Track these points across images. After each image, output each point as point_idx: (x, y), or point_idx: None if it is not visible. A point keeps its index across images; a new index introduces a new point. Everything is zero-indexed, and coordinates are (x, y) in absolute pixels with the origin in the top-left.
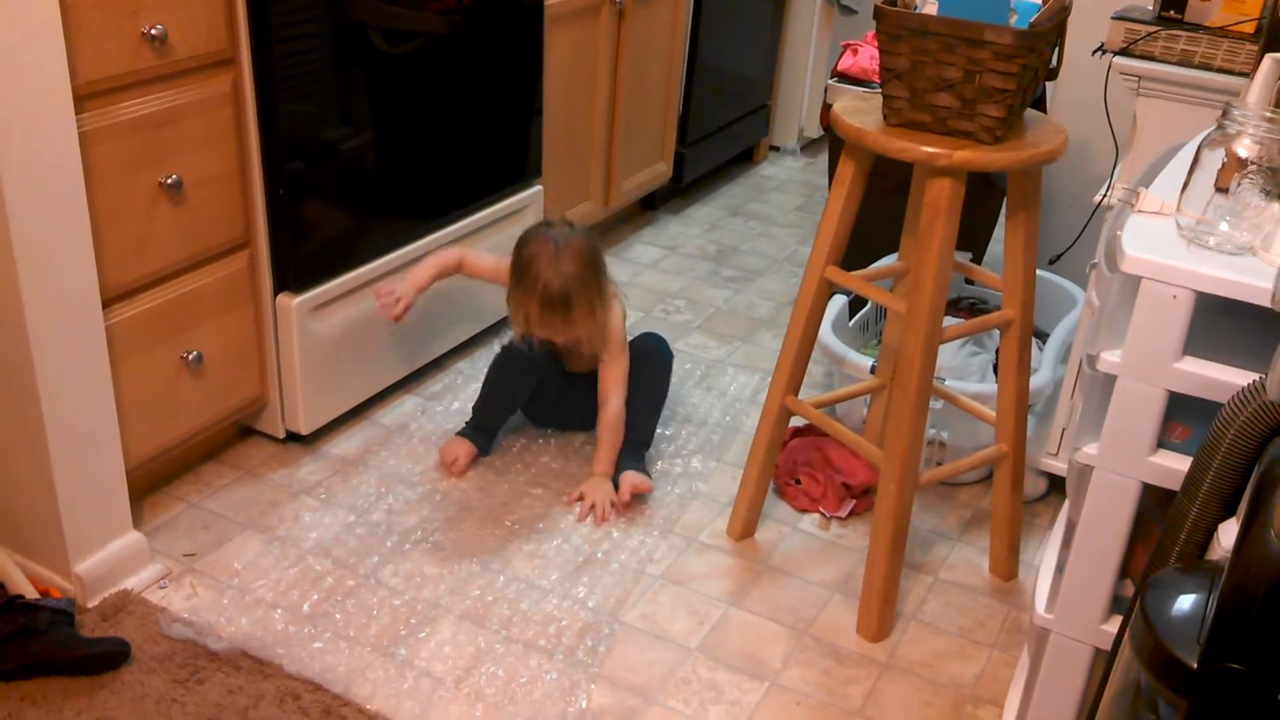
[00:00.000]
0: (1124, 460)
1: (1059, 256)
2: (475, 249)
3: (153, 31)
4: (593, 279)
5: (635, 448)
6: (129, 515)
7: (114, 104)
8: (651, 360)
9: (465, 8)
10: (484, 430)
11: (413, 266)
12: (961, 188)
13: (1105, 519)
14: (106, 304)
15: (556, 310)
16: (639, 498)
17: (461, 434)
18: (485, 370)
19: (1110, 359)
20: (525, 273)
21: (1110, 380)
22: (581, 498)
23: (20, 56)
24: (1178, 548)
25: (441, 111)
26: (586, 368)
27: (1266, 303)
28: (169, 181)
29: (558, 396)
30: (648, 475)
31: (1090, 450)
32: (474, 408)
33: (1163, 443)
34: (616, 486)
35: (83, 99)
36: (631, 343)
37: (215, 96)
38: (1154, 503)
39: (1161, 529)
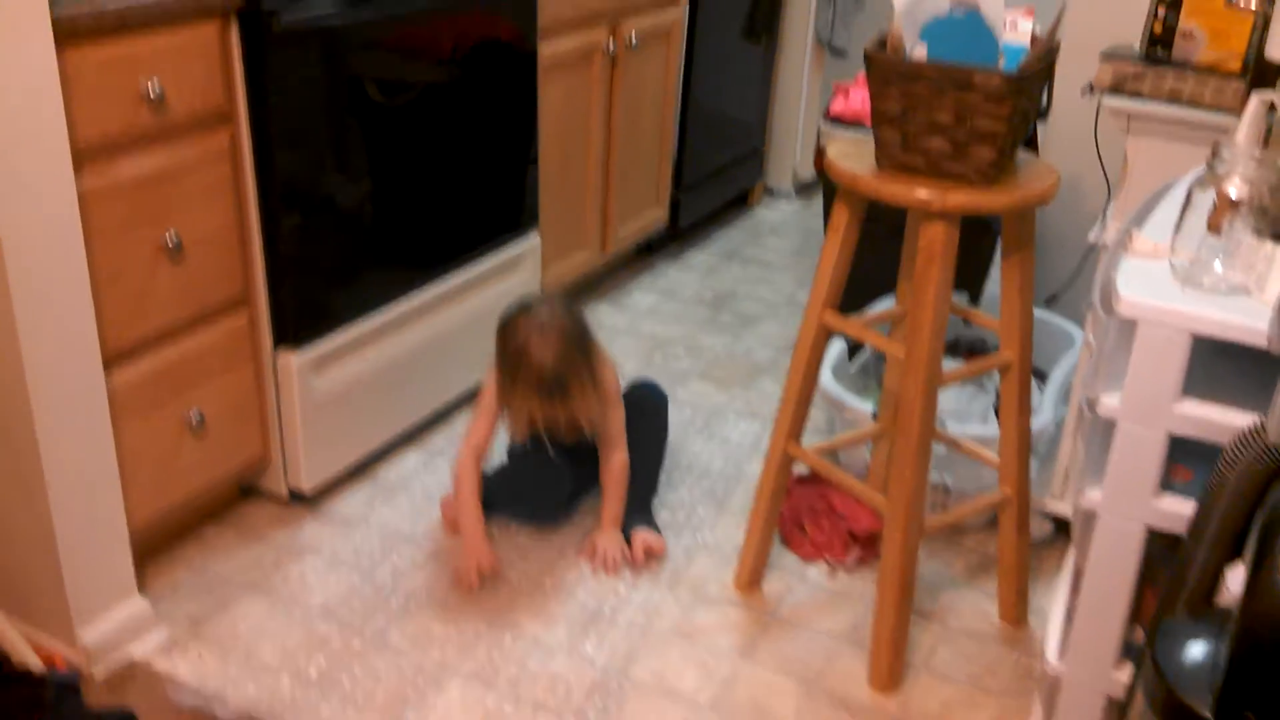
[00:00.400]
0: (1128, 505)
1: (1055, 296)
2: (466, 433)
3: (151, 90)
4: (580, 355)
5: (643, 501)
6: (133, 579)
7: (113, 163)
8: (645, 408)
9: (459, 58)
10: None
11: (457, 519)
12: (956, 231)
13: (1112, 565)
14: (107, 364)
15: (555, 395)
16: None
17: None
18: None
19: (1110, 402)
20: (517, 367)
21: (1111, 424)
22: (594, 550)
23: (19, 116)
24: (1185, 592)
25: (438, 162)
26: (583, 436)
27: (1263, 344)
28: (168, 240)
29: (567, 495)
30: (659, 533)
31: (1094, 495)
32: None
33: (1166, 485)
34: (626, 537)
35: (82, 158)
36: (625, 394)
37: (213, 153)
38: (1161, 547)
39: (1168, 573)
